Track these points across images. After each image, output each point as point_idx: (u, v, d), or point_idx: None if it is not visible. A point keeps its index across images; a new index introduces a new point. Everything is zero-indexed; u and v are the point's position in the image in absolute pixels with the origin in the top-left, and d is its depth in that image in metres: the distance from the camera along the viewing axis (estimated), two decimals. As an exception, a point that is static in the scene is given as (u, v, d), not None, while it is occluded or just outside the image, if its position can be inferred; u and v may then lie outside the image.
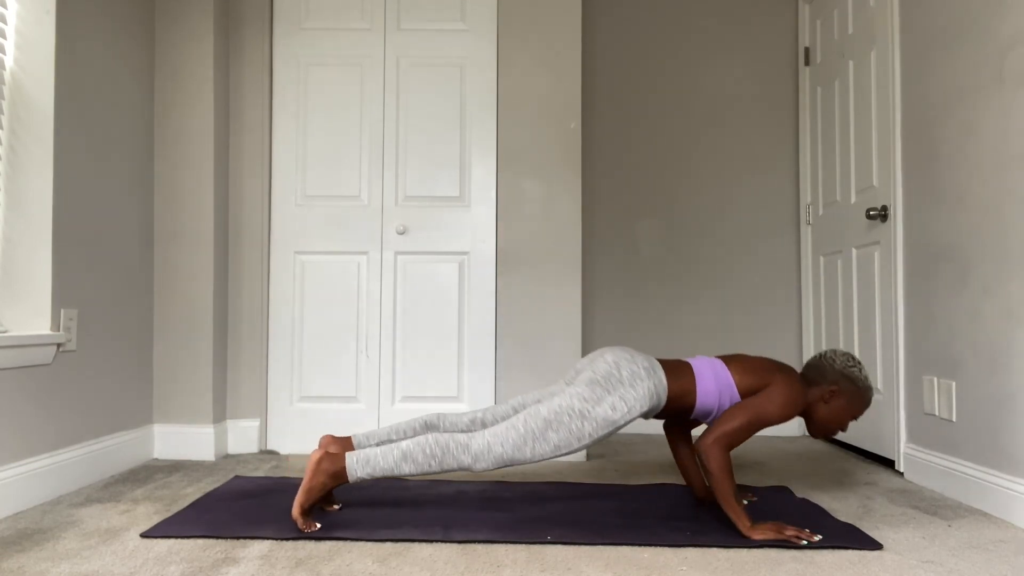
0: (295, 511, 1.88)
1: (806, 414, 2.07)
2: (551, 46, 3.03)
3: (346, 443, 2.04)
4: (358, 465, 1.87)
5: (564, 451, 1.89)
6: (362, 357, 3.04)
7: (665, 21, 3.73)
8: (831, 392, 2.03)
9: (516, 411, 2.09)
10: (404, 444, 1.89)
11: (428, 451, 1.87)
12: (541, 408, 1.91)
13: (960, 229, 2.33)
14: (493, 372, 3.01)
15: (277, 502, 2.16)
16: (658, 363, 2.00)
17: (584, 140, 3.71)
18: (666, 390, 1.97)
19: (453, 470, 1.89)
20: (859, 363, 2.07)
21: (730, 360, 2.06)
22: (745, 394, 1.99)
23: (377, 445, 2.07)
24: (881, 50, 2.85)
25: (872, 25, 2.94)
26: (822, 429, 2.07)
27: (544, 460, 1.92)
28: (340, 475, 1.88)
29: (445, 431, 2.06)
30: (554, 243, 3.00)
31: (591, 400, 1.89)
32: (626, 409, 1.90)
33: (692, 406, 2.01)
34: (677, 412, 2.03)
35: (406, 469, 1.87)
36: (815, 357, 2.11)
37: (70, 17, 2.35)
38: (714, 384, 1.99)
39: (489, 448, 1.87)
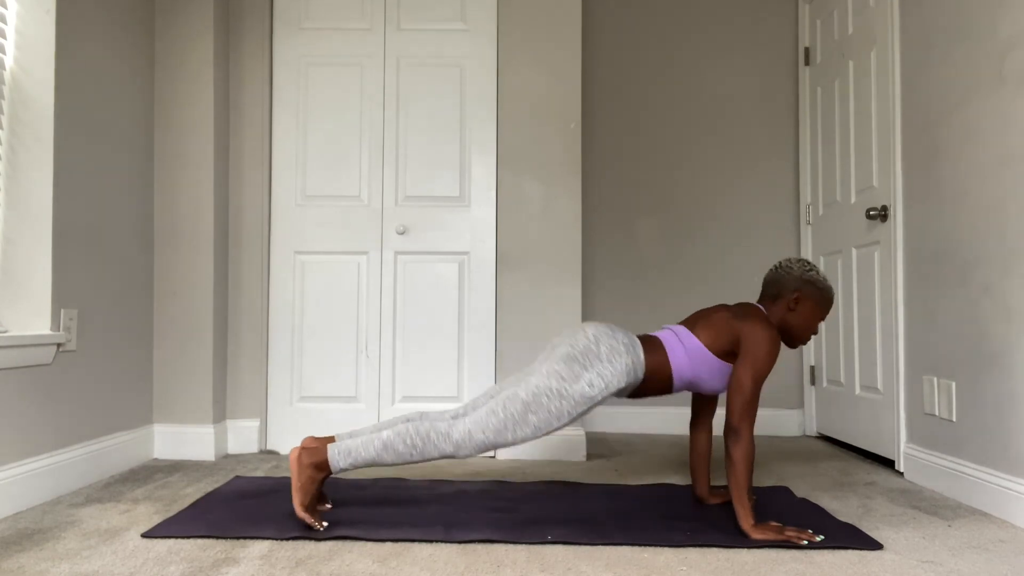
0: (298, 511, 1.88)
1: (780, 330, 2.09)
2: (551, 46, 3.03)
3: (328, 441, 2.01)
4: (339, 456, 1.90)
5: (544, 431, 1.91)
6: (362, 357, 3.04)
7: (665, 21, 3.73)
8: (795, 299, 2.05)
9: (494, 397, 2.07)
10: (385, 434, 1.91)
11: (409, 441, 1.89)
12: (519, 391, 1.91)
13: (960, 229, 2.33)
14: (493, 372, 3.01)
15: (277, 502, 2.16)
16: (638, 340, 2.01)
17: (584, 140, 3.71)
18: (644, 367, 1.97)
19: (435, 459, 1.93)
20: (815, 266, 2.10)
21: (693, 323, 2.07)
22: (717, 352, 1.99)
23: None
24: (881, 50, 2.86)
25: (872, 25, 2.94)
26: (797, 337, 2.09)
27: (527, 441, 1.97)
28: (323, 466, 1.90)
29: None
30: (554, 243, 3.00)
31: (568, 378, 1.90)
32: (603, 385, 1.91)
33: (669, 378, 2.00)
34: (656, 388, 2.03)
35: (388, 458, 1.90)
36: (771, 272, 2.12)
37: (70, 17, 2.35)
38: (684, 354, 2.00)
39: (470, 435, 1.89)
